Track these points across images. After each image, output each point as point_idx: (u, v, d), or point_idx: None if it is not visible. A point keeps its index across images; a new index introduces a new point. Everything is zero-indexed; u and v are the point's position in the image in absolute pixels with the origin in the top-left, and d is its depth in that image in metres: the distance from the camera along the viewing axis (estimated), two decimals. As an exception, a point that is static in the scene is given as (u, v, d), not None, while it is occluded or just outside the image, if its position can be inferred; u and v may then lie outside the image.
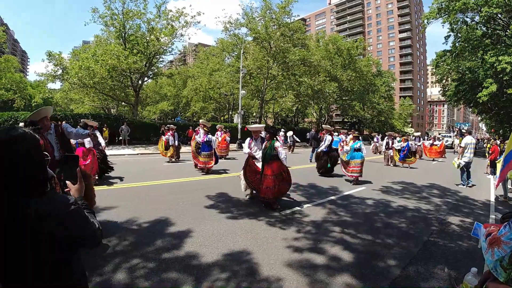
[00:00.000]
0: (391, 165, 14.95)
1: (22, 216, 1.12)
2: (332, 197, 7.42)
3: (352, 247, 4.30)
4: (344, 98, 42.65)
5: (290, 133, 22.11)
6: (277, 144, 6.09)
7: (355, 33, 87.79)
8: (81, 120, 9.33)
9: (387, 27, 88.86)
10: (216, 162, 10.52)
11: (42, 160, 1.24)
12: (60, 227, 1.19)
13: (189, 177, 9.62)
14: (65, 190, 1.55)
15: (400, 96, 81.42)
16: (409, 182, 10.18)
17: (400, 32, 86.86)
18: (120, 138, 21.57)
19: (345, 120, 61.74)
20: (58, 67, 22.89)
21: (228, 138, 15.75)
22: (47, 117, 4.35)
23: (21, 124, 3.99)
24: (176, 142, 13.25)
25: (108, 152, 17.01)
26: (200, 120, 11.73)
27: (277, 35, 29.22)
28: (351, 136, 12.22)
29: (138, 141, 23.02)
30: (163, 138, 13.48)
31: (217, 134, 15.31)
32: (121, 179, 8.91)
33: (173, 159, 13.45)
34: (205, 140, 10.29)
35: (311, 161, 14.70)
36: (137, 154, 16.95)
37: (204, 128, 10.59)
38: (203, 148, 10.34)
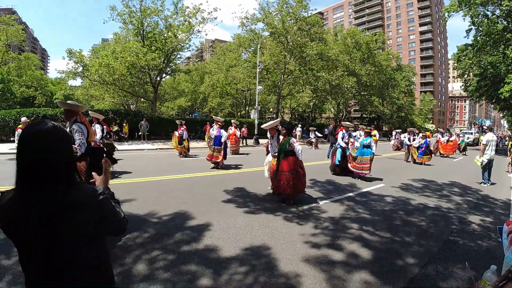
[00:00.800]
0: (410, 161, 14.60)
1: (61, 204, 1.16)
2: (350, 194, 7.31)
3: (371, 245, 4.23)
4: (362, 93, 41.71)
5: (312, 129, 22.17)
6: (293, 139, 6.09)
7: (374, 27, 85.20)
8: (89, 112, 9.50)
9: (407, 20, 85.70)
10: (224, 158, 10.63)
11: (72, 150, 1.27)
12: (94, 215, 1.23)
13: (207, 172, 9.72)
14: (90, 181, 1.58)
15: (420, 91, 78.75)
16: (430, 179, 9.91)
17: (421, 25, 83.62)
18: (140, 133, 22.06)
19: (364, 115, 60.42)
20: (78, 64, 23.53)
21: (238, 133, 15.87)
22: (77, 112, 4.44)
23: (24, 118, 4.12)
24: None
25: (128, 147, 17.59)
26: (213, 116, 11.85)
27: (294, 29, 28.87)
28: (361, 132, 12.09)
29: (157, 137, 23.47)
30: (176, 133, 13.64)
31: (230, 129, 15.49)
32: (140, 173, 9.12)
33: (184, 154, 13.65)
34: (217, 134, 10.48)
35: (328, 157, 14.51)
36: (156, 149, 17.28)
37: (218, 123, 10.85)
38: (214, 143, 10.54)
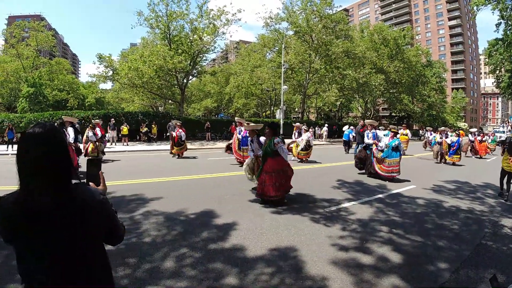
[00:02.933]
0: (441, 162, 13.79)
1: (73, 200, 1.19)
2: (380, 195, 7.07)
3: (401, 248, 4.07)
4: (391, 91, 40.27)
5: (345, 128, 21.61)
6: (277, 139, 5.92)
7: (402, 22, 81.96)
8: (62, 116, 9.75)
9: (436, 14, 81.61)
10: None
11: (68, 150, 1.29)
12: (103, 214, 1.26)
13: (232, 172, 9.81)
14: None
15: (452, 88, 74.86)
16: (463, 181, 9.39)
17: (450, 19, 79.42)
18: (168, 134, 22.66)
19: (393, 114, 58.39)
20: (108, 68, 24.63)
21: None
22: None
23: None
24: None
25: (157, 147, 18.15)
26: (236, 118, 11.83)
27: (319, 27, 28.47)
28: (381, 130, 11.60)
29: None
30: (173, 134, 13.53)
31: (240, 129, 15.33)
32: (168, 172, 9.38)
33: (181, 155, 13.59)
34: (245, 135, 10.45)
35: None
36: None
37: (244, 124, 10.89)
38: (243, 143, 10.61)
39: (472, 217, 5.69)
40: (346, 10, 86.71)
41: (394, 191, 7.54)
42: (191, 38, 25.63)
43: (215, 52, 29.82)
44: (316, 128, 28.90)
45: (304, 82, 31.75)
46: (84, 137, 11.68)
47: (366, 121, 10.19)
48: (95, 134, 11.48)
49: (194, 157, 14.04)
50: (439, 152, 13.97)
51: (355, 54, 30.88)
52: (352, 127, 20.03)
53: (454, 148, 13.32)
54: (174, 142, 13.41)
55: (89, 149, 11.32)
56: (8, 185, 7.24)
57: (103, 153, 12.43)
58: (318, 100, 45.68)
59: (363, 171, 9.72)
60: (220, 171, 9.91)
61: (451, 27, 79.58)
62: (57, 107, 37.11)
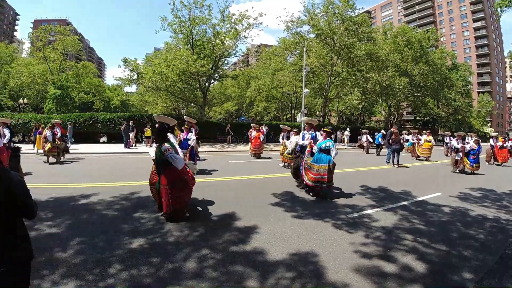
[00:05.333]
0: (457, 171, 12.19)
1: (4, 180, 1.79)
2: (405, 203, 6.86)
3: (425, 257, 3.96)
4: (416, 94, 38.95)
5: (364, 132, 21.47)
6: (165, 146, 4.76)
7: (426, 23, 79.46)
8: None
9: (460, 15, 78.70)
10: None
11: None
12: (17, 186, 1.84)
13: (254, 175, 9.85)
14: None
15: (478, 92, 71.57)
16: (489, 189, 8.95)
17: (474, 21, 76.35)
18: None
19: (417, 118, 56.51)
20: (133, 72, 25.42)
21: (262, 136, 15.52)
22: None
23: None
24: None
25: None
26: (185, 117, 11.69)
27: (340, 30, 28.13)
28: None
29: (205, 140, 24.36)
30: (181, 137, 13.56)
31: (251, 132, 15.20)
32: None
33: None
34: (185, 137, 9.96)
35: (387, 163, 13.79)
36: (205, 151, 17.95)
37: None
38: (182, 146, 10.13)
39: (498, 226, 5.49)
40: (368, 12, 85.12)
41: (419, 199, 7.30)
42: (213, 42, 26.05)
43: (236, 56, 30.16)
44: (338, 132, 28.42)
45: (326, 85, 31.40)
46: (42, 136, 12.12)
47: (303, 118, 8.99)
48: (54, 133, 11.84)
49: (204, 159, 14.17)
50: (456, 159, 12.36)
51: (378, 56, 30.22)
52: (383, 131, 19.73)
53: (475, 156, 11.98)
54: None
55: (47, 148, 11.54)
56: (38, 183, 7.65)
57: (67, 151, 12.68)
58: (340, 104, 45.03)
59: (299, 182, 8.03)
60: (241, 174, 9.97)
61: (475, 29, 76.65)
62: (83, 109, 38.67)
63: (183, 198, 4.98)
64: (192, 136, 9.57)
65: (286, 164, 11.77)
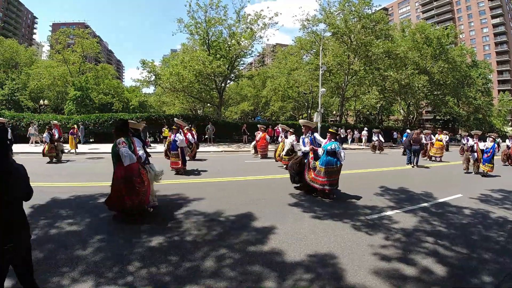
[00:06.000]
0: (473, 172, 11.64)
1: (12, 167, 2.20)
2: (425, 204, 6.68)
3: (446, 261, 3.88)
4: (435, 93, 37.73)
5: (376, 131, 20.63)
6: (119, 140, 4.70)
7: (444, 20, 76.82)
8: None
9: (478, 12, 75.64)
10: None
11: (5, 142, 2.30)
12: (26, 178, 2.30)
13: (269, 175, 9.81)
14: None
15: (498, 90, 68.48)
16: (510, 190, 8.61)
17: (493, 17, 73.25)
18: (206, 136, 23.33)
19: (437, 117, 54.80)
20: (151, 73, 25.89)
21: (268, 137, 15.14)
22: None
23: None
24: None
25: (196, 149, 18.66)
26: (175, 119, 11.57)
27: (357, 28, 27.67)
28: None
29: (222, 139, 24.55)
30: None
31: (258, 133, 14.90)
32: (208, 173, 9.64)
33: (189, 158, 13.19)
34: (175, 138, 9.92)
35: (407, 164, 13.40)
36: (221, 151, 18.08)
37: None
38: (172, 147, 9.92)
39: (519, 228, 5.29)
40: (385, 9, 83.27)
41: (440, 200, 7.09)
42: (229, 43, 26.18)
43: (252, 56, 30.17)
44: (355, 132, 27.91)
45: (343, 84, 30.97)
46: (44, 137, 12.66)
47: (300, 121, 8.33)
48: (52, 135, 12.29)
49: (205, 159, 14.21)
50: (470, 159, 11.82)
51: (397, 54, 29.52)
52: (408, 131, 19.18)
53: (489, 155, 11.18)
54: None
55: (46, 149, 12.06)
56: (58, 182, 7.91)
57: (63, 152, 13.10)
58: (357, 103, 44.27)
59: (299, 184, 7.61)
60: (257, 173, 9.96)
61: (494, 26, 73.63)
62: (102, 110, 39.58)
63: (129, 199, 4.73)
64: (179, 137, 9.48)
65: (284, 166, 11.05)
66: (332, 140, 6.79)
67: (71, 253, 3.73)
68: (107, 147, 17.16)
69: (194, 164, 12.45)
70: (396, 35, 35.78)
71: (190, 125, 14.60)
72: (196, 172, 9.92)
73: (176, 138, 9.48)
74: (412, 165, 13.02)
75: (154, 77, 26.03)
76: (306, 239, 4.40)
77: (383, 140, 20.70)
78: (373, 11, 28.89)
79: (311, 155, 7.04)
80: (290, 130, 11.35)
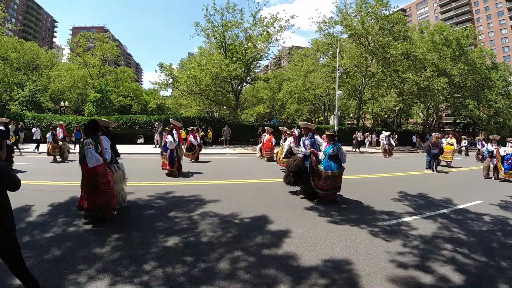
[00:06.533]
0: (493, 177, 11.22)
1: None
2: (444, 211, 6.49)
3: (464, 268, 3.77)
4: (455, 96, 36.51)
5: (385, 134, 19.65)
6: (86, 141, 4.76)
7: (463, 21, 74.49)
8: None
9: (497, 13, 72.87)
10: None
11: None
12: (6, 173, 2.30)
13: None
14: None
15: None
16: None
17: (511, 18, 70.36)
18: (222, 138, 23.52)
19: (458, 121, 53.03)
20: (169, 76, 26.35)
21: (274, 140, 14.72)
22: None
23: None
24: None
25: (212, 151, 18.90)
26: (170, 119, 11.53)
27: (375, 29, 27.21)
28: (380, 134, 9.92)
29: (237, 142, 24.67)
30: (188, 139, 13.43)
31: (264, 135, 14.67)
32: (224, 175, 9.72)
33: (193, 160, 13.45)
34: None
35: (426, 168, 13.03)
36: (237, 153, 18.15)
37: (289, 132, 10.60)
38: (165, 149, 9.87)
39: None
40: (403, 10, 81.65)
41: (460, 207, 6.88)
42: (245, 46, 26.31)
43: (268, 59, 30.20)
44: (373, 136, 27.37)
45: (360, 86, 30.50)
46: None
47: (300, 122, 7.96)
48: (55, 135, 12.80)
49: (209, 161, 14.24)
50: (491, 165, 11.35)
51: (415, 56, 28.78)
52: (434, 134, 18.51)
53: (510, 162, 10.61)
54: (187, 147, 13.41)
55: (49, 148, 12.70)
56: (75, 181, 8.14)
57: (69, 151, 13.64)
58: (375, 106, 43.47)
59: (298, 188, 7.36)
60: (272, 176, 9.94)
61: None
62: (121, 112, 40.45)
63: (94, 199, 4.73)
64: (169, 139, 9.40)
65: (283, 168, 10.76)
66: (331, 143, 6.60)
67: (88, 251, 3.84)
68: (126, 148, 17.62)
69: (210, 165, 12.59)
70: (415, 36, 34.95)
71: (194, 128, 14.53)
72: (212, 174, 10.02)
73: (166, 140, 9.48)
74: (432, 170, 12.65)
75: (171, 80, 26.48)
76: (321, 243, 4.36)
77: (394, 144, 19.96)
78: (390, 12, 28.39)
79: (313, 159, 6.81)
80: (288, 132, 11.13)
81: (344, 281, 3.36)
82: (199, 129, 15.51)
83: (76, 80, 41.00)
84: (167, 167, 9.46)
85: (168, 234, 4.50)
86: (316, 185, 6.64)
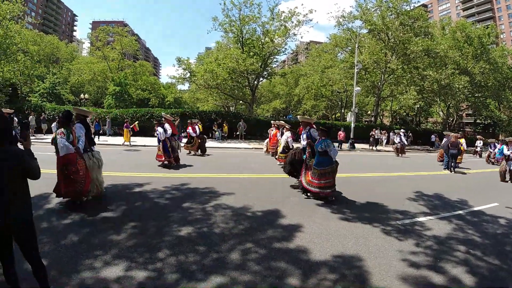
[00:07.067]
0: (510, 181, 10.82)
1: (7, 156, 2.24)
2: (460, 212, 6.37)
3: (476, 271, 3.73)
4: (476, 95, 35.13)
5: (401, 132, 19.05)
6: (59, 130, 5.02)
7: (484, 19, 71.54)
8: None
9: None
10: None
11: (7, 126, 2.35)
12: (22, 160, 2.27)
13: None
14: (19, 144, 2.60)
15: None
16: None
17: None
18: (237, 133, 23.65)
19: (478, 121, 51.13)
20: (186, 71, 26.61)
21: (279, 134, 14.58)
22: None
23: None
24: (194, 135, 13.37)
25: (227, 145, 19.08)
26: (162, 113, 11.64)
27: (395, 25, 26.53)
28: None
29: (253, 137, 24.74)
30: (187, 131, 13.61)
31: (271, 130, 14.10)
32: (239, 169, 9.83)
33: (193, 152, 13.49)
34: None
35: (445, 169, 12.71)
36: (252, 148, 18.23)
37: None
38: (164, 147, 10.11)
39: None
40: (424, 5, 78.78)
41: (476, 208, 6.72)
42: (262, 40, 26.25)
43: (285, 54, 30.04)
44: (391, 134, 26.75)
45: (379, 83, 29.85)
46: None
47: (298, 117, 7.71)
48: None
49: (209, 155, 14.26)
50: (507, 168, 10.93)
51: (436, 53, 27.86)
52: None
53: None
54: (187, 140, 13.74)
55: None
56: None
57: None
58: (394, 103, 42.46)
59: (296, 181, 7.49)
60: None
61: None
62: (140, 105, 41.11)
63: (66, 186, 5.02)
64: (159, 130, 9.62)
65: (282, 164, 10.50)
66: (323, 138, 6.37)
67: (105, 238, 3.99)
68: (144, 140, 18.03)
69: (225, 159, 12.71)
70: (436, 33, 33.84)
71: (194, 120, 14.55)
72: (226, 168, 10.14)
73: (157, 132, 9.72)
74: (450, 170, 12.32)
75: (189, 74, 26.75)
76: (332, 239, 4.37)
77: (406, 142, 19.42)
78: (411, 7, 27.68)
79: (308, 150, 6.76)
80: (286, 126, 10.90)
81: (354, 277, 3.37)
82: (198, 121, 15.35)
83: (96, 73, 42.07)
84: (162, 159, 9.66)
85: (182, 224, 4.62)
86: (306, 179, 6.62)
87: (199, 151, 13.55)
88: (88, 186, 5.31)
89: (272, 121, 16.03)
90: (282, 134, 11.06)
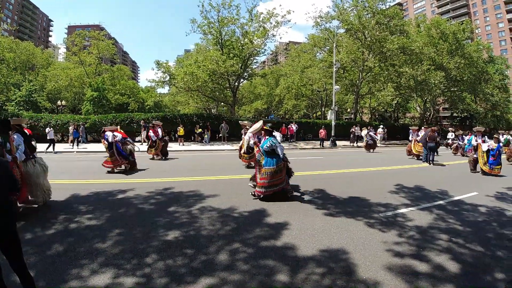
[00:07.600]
0: (479, 171, 10.92)
1: None
2: (441, 202, 6.61)
3: (459, 258, 3.88)
4: (452, 89, 36.59)
5: (368, 129, 19.44)
6: (14, 135, 5.18)
7: (460, 15, 74.83)
8: None
9: (493, 6, 73.16)
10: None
11: None
12: (7, 171, 2.51)
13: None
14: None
15: None
16: None
17: (507, 12, 70.60)
18: (220, 135, 23.55)
19: (454, 114, 53.23)
20: (166, 74, 26.20)
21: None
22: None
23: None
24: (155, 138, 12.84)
25: (210, 147, 18.97)
26: (242, 122, 11.16)
27: (371, 24, 27.25)
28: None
29: (235, 138, 24.67)
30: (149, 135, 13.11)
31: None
32: (222, 171, 9.77)
33: (157, 157, 12.98)
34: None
35: (423, 161, 13.15)
36: (235, 149, 18.15)
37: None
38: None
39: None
40: (399, 4, 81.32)
41: (456, 198, 7.00)
42: (242, 42, 26.27)
43: (265, 55, 30.21)
44: (362, 131, 27.28)
45: (357, 81, 30.56)
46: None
47: (243, 122, 7.71)
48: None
49: (207, 157, 14.27)
50: (475, 158, 11.16)
51: (412, 50, 28.85)
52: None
53: (495, 157, 10.36)
54: (149, 144, 13.19)
55: None
56: (77, 179, 8.20)
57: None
58: (372, 100, 43.57)
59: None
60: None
61: (510, 20, 70.86)
62: (119, 110, 40.23)
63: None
64: (108, 134, 9.64)
65: (246, 165, 10.84)
66: (267, 137, 6.36)
67: (90, 246, 3.91)
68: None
69: (208, 161, 12.63)
70: (411, 30, 34.97)
71: (155, 123, 13.80)
72: (210, 170, 10.07)
73: (105, 136, 9.69)
74: (428, 163, 12.78)
75: (168, 77, 26.38)
76: (318, 235, 4.45)
77: (377, 138, 19.87)
78: (387, 6, 28.45)
79: (257, 148, 6.93)
80: (248, 126, 10.49)
81: (341, 269, 3.46)
82: (159, 124, 14.42)
83: (73, 79, 40.81)
84: (110, 164, 9.37)
85: (168, 228, 4.57)
86: (255, 180, 6.69)
87: (161, 154, 12.95)
88: (25, 194, 5.27)
89: (240, 121, 15.70)
90: (245, 134, 10.68)
